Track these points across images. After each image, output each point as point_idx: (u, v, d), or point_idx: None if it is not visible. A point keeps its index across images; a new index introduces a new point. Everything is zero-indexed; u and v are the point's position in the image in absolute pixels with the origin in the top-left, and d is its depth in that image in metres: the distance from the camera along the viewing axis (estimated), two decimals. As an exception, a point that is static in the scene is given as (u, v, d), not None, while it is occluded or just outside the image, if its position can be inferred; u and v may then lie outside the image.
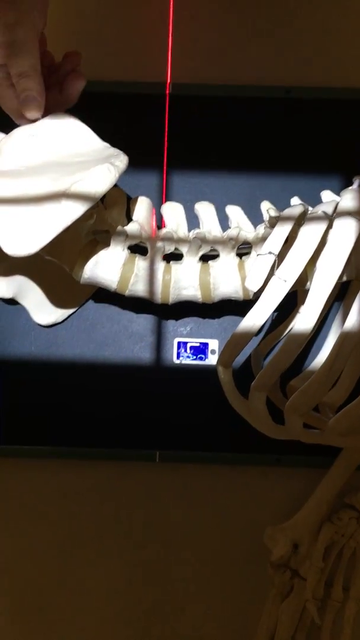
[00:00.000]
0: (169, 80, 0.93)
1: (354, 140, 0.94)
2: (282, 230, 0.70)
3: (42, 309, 0.91)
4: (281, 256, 0.70)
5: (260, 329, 0.92)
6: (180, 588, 1.00)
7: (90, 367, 0.95)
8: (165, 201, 0.93)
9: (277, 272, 0.68)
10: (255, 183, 0.94)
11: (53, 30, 0.92)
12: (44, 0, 0.65)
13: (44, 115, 0.67)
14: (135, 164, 0.92)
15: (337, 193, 0.80)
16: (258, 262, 0.69)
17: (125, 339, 0.95)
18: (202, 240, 0.73)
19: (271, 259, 0.69)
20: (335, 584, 0.94)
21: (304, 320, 0.69)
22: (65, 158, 0.63)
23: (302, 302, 0.87)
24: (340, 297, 0.90)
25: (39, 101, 0.64)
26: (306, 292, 0.73)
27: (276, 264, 0.69)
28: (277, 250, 0.69)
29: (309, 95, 0.94)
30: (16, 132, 0.66)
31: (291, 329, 0.70)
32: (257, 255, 0.70)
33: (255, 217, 0.80)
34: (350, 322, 0.69)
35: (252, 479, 0.98)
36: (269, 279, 0.69)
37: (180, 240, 0.74)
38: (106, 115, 0.93)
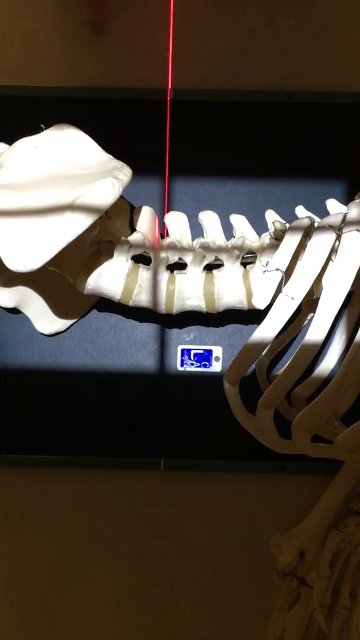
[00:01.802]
0: (170, 87, 0.93)
1: (356, 145, 0.93)
2: (289, 245, 0.70)
3: (44, 318, 0.90)
4: (288, 269, 0.69)
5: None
6: (186, 595, 1.00)
7: (94, 375, 0.94)
8: (168, 208, 0.93)
9: (285, 289, 0.68)
10: (258, 189, 0.93)
11: (53, 38, 0.92)
12: None
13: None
14: (137, 171, 0.92)
15: (341, 199, 0.80)
16: (265, 279, 0.69)
17: (128, 347, 0.94)
18: (206, 249, 0.73)
19: (278, 276, 0.68)
20: (342, 592, 0.93)
21: (312, 338, 0.68)
22: (69, 170, 0.63)
23: (307, 310, 0.87)
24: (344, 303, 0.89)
25: None
26: (311, 301, 0.72)
27: (284, 280, 0.68)
28: (284, 267, 0.69)
29: (312, 100, 0.93)
30: (18, 145, 0.65)
31: (299, 345, 0.69)
32: (264, 271, 0.69)
33: (258, 224, 0.79)
34: (359, 341, 0.69)
35: (257, 486, 0.98)
36: (277, 295, 0.68)
37: (184, 250, 0.74)
38: (107, 121, 0.92)
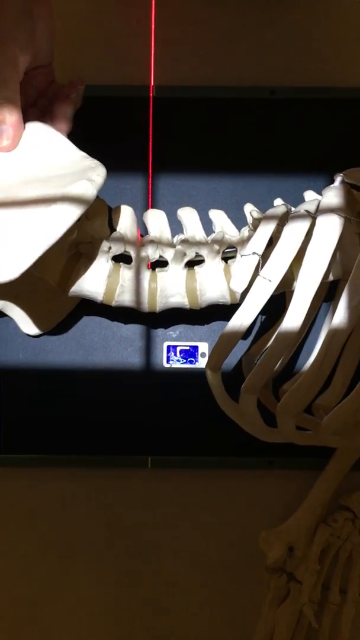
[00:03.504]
0: (152, 83, 0.93)
1: (339, 140, 0.93)
2: (265, 230, 0.70)
3: (30, 320, 0.90)
4: (266, 258, 0.69)
5: (250, 333, 0.92)
6: (175, 594, 0.99)
7: (80, 373, 0.94)
8: (151, 205, 0.93)
9: (262, 272, 0.68)
10: (242, 185, 0.93)
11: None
12: (29, 35, 0.66)
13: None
14: (120, 168, 0.92)
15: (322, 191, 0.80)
16: (242, 263, 0.69)
17: (114, 344, 0.94)
18: (186, 245, 0.73)
19: (255, 260, 0.68)
20: (332, 587, 0.93)
21: (291, 319, 0.68)
22: (42, 172, 0.62)
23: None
24: (329, 297, 0.89)
25: (8, 133, 0.63)
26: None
27: (260, 264, 0.68)
28: (260, 250, 0.69)
29: (294, 95, 0.93)
30: None
31: (279, 328, 0.69)
32: (241, 256, 0.70)
33: (242, 220, 0.79)
34: (338, 319, 0.68)
35: (245, 482, 0.98)
36: (254, 280, 0.68)
37: (165, 247, 0.74)
38: (89, 119, 0.91)
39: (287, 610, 0.91)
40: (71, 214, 0.58)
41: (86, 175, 0.60)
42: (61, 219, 0.57)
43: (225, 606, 1.00)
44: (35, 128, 0.65)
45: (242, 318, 0.69)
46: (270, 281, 0.67)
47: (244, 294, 0.71)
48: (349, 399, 0.73)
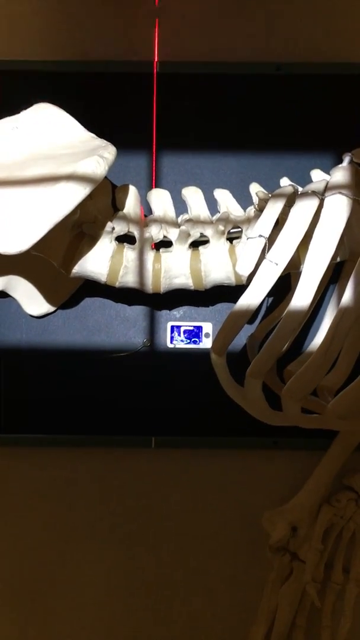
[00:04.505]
0: (156, 59, 0.91)
1: (346, 116, 0.92)
2: (272, 212, 0.69)
3: (33, 301, 0.89)
4: (272, 239, 0.68)
5: (255, 315, 0.91)
6: (178, 573, 1.00)
7: (83, 353, 0.93)
8: (155, 184, 0.91)
9: (268, 255, 0.67)
10: (247, 162, 0.92)
11: (40, 11, 0.90)
12: None
13: None
14: (123, 146, 0.91)
15: (330, 170, 0.79)
16: (248, 246, 0.68)
17: (118, 324, 0.93)
18: (190, 225, 0.72)
19: (261, 242, 0.67)
20: (335, 566, 0.93)
21: (298, 302, 0.67)
22: (52, 150, 0.62)
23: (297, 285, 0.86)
24: (334, 279, 0.88)
25: None
26: (300, 274, 0.71)
27: (267, 246, 0.68)
28: (267, 233, 0.68)
29: (300, 71, 0.91)
30: None
31: (285, 312, 0.68)
32: (247, 238, 0.69)
33: (247, 198, 0.78)
34: (345, 304, 0.68)
35: (249, 462, 0.98)
36: (260, 263, 0.68)
37: (169, 227, 0.73)
38: (93, 96, 0.90)
39: (290, 589, 0.91)
40: (82, 188, 0.57)
41: (97, 152, 0.60)
42: (72, 193, 0.57)
43: (228, 585, 1.00)
44: (44, 109, 0.65)
45: (248, 302, 0.68)
46: (277, 264, 0.66)
47: (250, 276, 0.70)
48: (353, 385, 0.72)
